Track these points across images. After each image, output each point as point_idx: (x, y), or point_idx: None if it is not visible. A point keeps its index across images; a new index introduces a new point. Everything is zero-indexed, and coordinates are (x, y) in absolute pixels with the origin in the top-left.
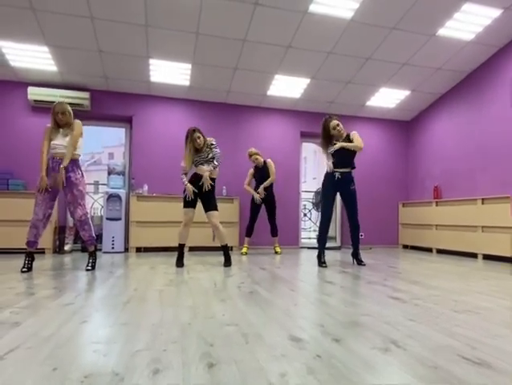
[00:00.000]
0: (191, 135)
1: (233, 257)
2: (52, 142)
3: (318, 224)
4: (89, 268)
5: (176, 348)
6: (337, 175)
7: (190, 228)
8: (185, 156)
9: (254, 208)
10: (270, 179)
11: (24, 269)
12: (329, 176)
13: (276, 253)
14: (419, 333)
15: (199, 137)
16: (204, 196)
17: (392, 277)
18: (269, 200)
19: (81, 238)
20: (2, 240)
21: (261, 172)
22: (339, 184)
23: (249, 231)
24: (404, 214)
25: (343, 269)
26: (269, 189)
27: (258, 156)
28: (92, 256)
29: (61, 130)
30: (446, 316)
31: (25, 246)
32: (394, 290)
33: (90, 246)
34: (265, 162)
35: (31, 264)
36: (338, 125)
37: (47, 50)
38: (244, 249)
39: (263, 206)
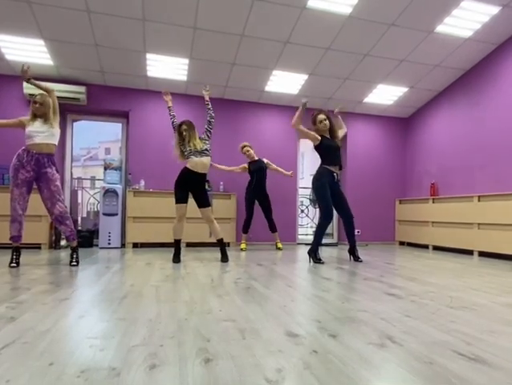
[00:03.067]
0: (179, 127)
1: (231, 252)
2: (29, 129)
3: (318, 221)
4: (74, 263)
5: (173, 343)
6: (335, 176)
7: (187, 224)
8: (175, 149)
9: (248, 204)
10: (281, 169)
11: (13, 264)
12: (328, 176)
13: (278, 249)
14: (415, 329)
15: (185, 130)
16: (196, 191)
17: (388, 274)
18: (261, 197)
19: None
20: None
21: (256, 166)
22: (335, 184)
23: (245, 228)
24: (401, 211)
25: (340, 265)
26: (262, 187)
27: (249, 149)
28: (76, 251)
29: (38, 119)
30: (442, 312)
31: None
32: (390, 287)
33: (72, 241)
34: (260, 159)
35: (19, 258)
36: (324, 120)
37: (43, 43)
38: (243, 245)
39: (257, 203)
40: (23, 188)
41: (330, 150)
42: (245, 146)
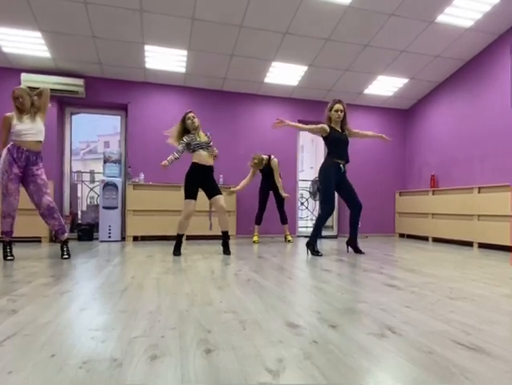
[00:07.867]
0: (186, 114)
1: (232, 245)
2: (18, 127)
3: (318, 213)
4: (66, 256)
5: (174, 334)
6: (342, 167)
7: None
8: (173, 133)
9: (263, 196)
10: (279, 184)
11: (10, 258)
12: (334, 168)
13: (288, 241)
14: (414, 319)
15: (194, 117)
16: (207, 183)
17: (388, 265)
18: (276, 188)
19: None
20: None
21: (266, 169)
22: (341, 175)
23: (258, 219)
24: (401, 203)
25: (340, 257)
26: (274, 182)
27: (256, 161)
28: (66, 244)
29: (25, 115)
30: (442, 303)
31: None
32: (390, 278)
33: (62, 235)
34: (269, 159)
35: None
36: (340, 111)
37: (40, 35)
38: (255, 238)
39: (271, 194)
40: (17, 184)
41: (338, 143)
42: (255, 158)
